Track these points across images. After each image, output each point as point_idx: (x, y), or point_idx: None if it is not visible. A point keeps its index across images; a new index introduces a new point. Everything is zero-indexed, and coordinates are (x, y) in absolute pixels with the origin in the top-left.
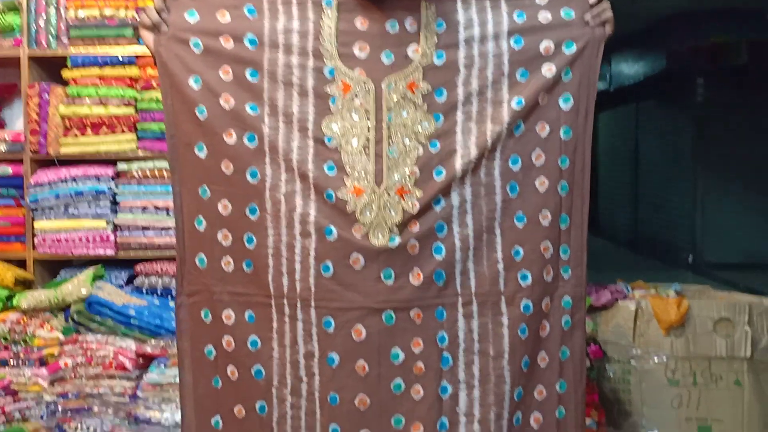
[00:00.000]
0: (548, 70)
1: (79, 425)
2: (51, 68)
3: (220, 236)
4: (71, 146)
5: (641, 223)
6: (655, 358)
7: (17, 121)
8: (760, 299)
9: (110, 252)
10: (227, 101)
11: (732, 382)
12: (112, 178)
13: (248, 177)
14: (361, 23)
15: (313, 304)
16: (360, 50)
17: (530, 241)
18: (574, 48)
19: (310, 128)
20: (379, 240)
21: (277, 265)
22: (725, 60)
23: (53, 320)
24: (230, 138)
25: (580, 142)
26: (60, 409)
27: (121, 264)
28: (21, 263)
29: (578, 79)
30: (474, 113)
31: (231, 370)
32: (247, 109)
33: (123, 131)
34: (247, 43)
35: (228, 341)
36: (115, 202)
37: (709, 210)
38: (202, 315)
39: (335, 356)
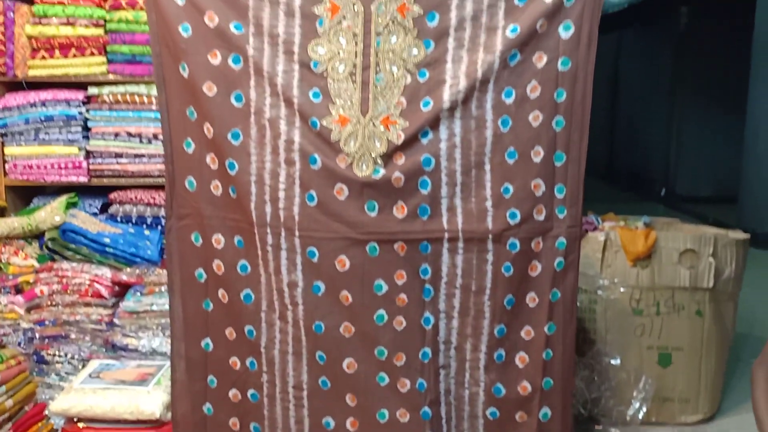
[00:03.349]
0: None
1: (57, 352)
2: None
3: (208, 159)
4: (39, 69)
5: (616, 155)
6: (621, 289)
7: None
8: (725, 232)
9: (83, 179)
10: (211, 19)
11: (694, 311)
12: (83, 103)
13: (233, 101)
14: None
15: (297, 233)
16: None
17: (520, 178)
18: None
19: (296, 51)
20: (363, 171)
21: (260, 193)
22: None
23: (27, 248)
24: (215, 59)
25: (581, 73)
26: (37, 336)
27: (95, 192)
28: None
29: (581, 5)
30: (466, 40)
31: (222, 293)
32: (232, 27)
33: (92, 53)
34: None
35: (218, 265)
36: (86, 128)
37: (684, 142)
38: (193, 238)
39: (320, 285)
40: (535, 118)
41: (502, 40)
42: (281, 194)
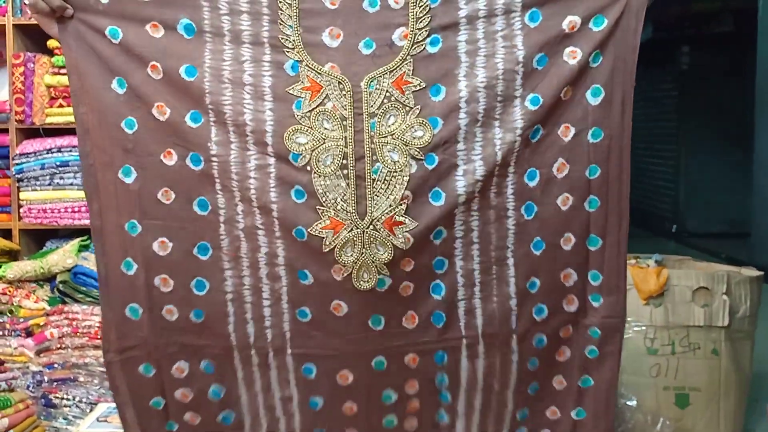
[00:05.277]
0: (572, 55)
1: (65, 395)
2: (36, 37)
3: (157, 281)
4: (57, 116)
5: None
6: (635, 327)
7: (2, 91)
8: (738, 269)
9: None
10: (161, 111)
11: (709, 351)
12: None
13: (196, 208)
14: (330, 1)
15: (289, 351)
16: (331, 37)
17: (548, 270)
18: (604, 24)
19: (269, 142)
20: (364, 283)
21: (239, 312)
22: (710, 27)
23: (39, 291)
24: (170, 159)
25: (616, 144)
26: (46, 379)
27: None
28: (6, 234)
29: (611, 64)
30: (480, 114)
31: (190, 417)
32: (188, 120)
33: None
34: (181, 31)
35: (183, 394)
36: None
37: (693, 179)
38: (141, 370)
39: (319, 400)
40: (564, 201)
41: (521, 114)
42: (266, 311)
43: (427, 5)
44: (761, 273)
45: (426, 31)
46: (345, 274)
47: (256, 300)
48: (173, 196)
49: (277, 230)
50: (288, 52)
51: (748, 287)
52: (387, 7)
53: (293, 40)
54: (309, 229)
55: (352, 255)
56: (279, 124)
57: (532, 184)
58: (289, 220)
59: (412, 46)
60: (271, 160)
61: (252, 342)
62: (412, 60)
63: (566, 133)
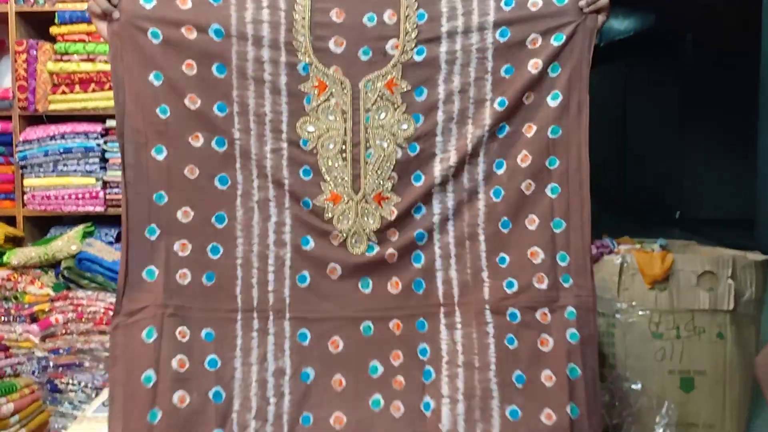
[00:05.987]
0: (534, 66)
1: (70, 380)
2: (39, 24)
3: (176, 246)
4: (60, 103)
5: (630, 182)
6: (639, 312)
7: (5, 78)
8: (743, 253)
9: (100, 209)
10: (193, 101)
11: (715, 335)
12: (101, 135)
13: (217, 183)
14: (336, 15)
15: (287, 315)
16: (336, 45)
17: (516, 247)
18: (563, 39)
19: (284, 130)
20: (356, 249)
21: (246, 277)
22: (713, 17)
23: (44, 277)
24: (197, 141)
25: (574, 141)
26: (51, 364)
27: (111, 221)
28: (11, 220)
29: (567, 73)
30: (455, 113)
31: (180, 396)
32: (215, 109)
33: (111, 88)
34: (212, 34)
35: (181, 361)
36: (104, 159)
37: (697, 168)
38: (144, 335)
39: (310, 371)
40: (527, 187)
41: (490, 113)
42: (270, 276)
43: (415, 22)
44: (767, 257)
45: (413, 42)
46: (340, 241)
47: (262, 266)
48: (197, 172)
49: (287, 202)
50: (300, 55)
51: (754, 271)
52: (382, 23)
53: (305, 46)
54: (314, 200)
55: (347, 223)
56: (292, 115)
57: (500, 171)
58: (298, 193)
59: (402, 54)
60: (284, 145)
61: (255, 305)
62: (401, 66)
63: (529, 130)
